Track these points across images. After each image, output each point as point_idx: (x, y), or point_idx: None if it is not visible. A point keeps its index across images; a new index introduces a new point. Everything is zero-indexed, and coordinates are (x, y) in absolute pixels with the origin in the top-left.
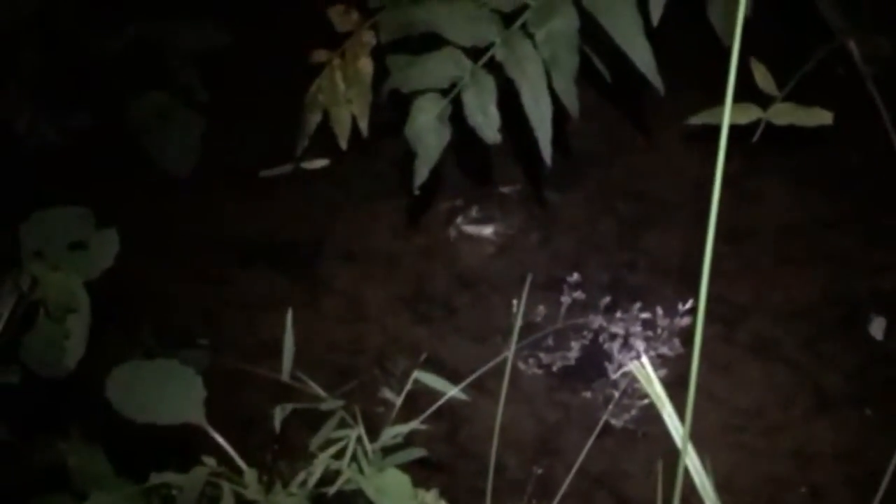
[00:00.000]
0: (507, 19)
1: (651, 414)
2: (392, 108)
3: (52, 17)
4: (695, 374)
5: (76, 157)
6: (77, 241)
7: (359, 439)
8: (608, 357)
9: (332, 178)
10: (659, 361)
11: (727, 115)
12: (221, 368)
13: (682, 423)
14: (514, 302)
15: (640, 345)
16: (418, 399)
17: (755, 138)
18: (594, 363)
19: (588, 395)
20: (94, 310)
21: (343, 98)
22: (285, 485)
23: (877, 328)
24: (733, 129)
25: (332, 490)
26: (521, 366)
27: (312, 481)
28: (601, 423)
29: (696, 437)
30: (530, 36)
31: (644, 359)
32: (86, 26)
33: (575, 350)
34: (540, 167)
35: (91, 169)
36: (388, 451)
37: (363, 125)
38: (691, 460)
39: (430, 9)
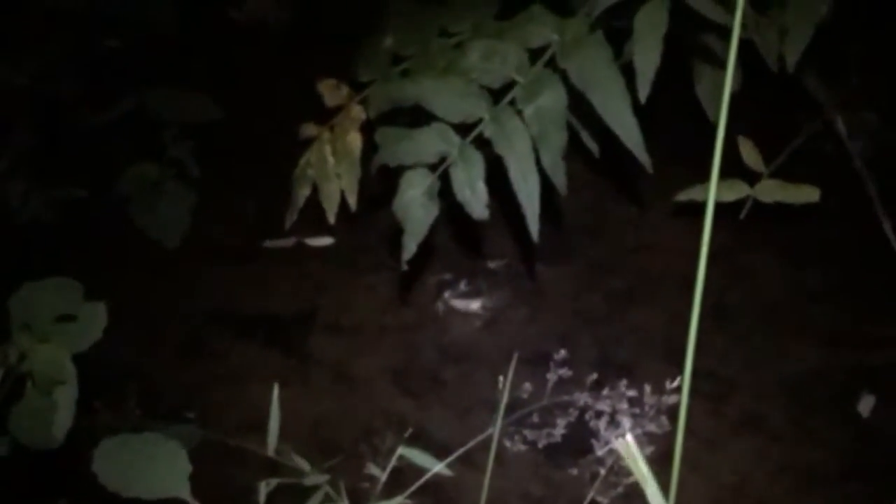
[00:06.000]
0: (496, 95)
1: (638, 491)
2: (382, 183)
3: (45, 89)
4: (678, 453)
5: (67, 228)
6: (65, 313)
7: None
8: (595, 434)
9: (322, 251)
10: (646, 439)
11: (713, 192)
12: (208, 442)
13: (667, 500)
14: (501, 378)
15: (626, 422)
16: (404, 474)
17: (742, 215)
18: (580, 440)
19: (574, 471)
20: (82, 383)
21: (332, 172)
22: None
23: (864, 406)
24: (722, 204)
25: None
26: (507, 442)
27: None
28: (588, 500)
29: None
30: (518, 112)
31: (629, 436)
32: (80, 98)
33: (561, 427)
34: (528, 242)
35: (82, 240)
36: None
37: (352, 200)
38: None
39: (419, 84)
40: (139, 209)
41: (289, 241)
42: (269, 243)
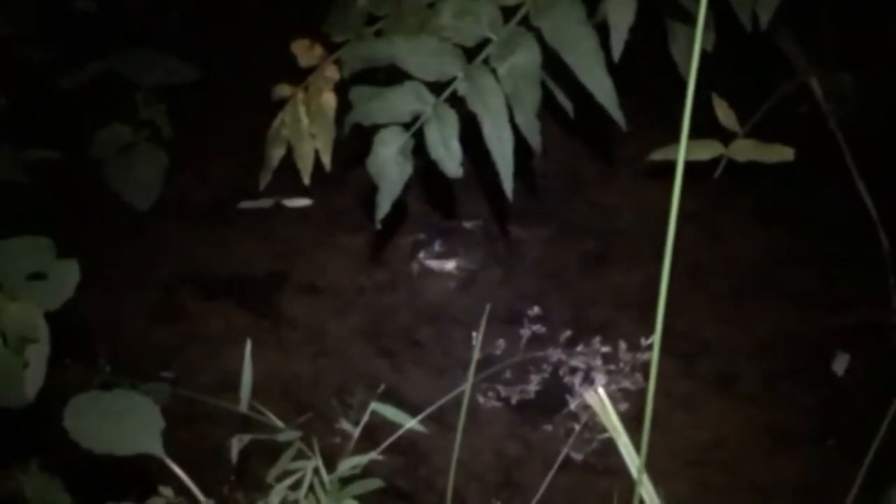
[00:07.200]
0: (470, 54)
1: (612, 447)
2: (356, 143)
3: (17, 51)
4: (650, 407)
5: (40, 190)
6: (37, 271)
7: (316, 470)
8: (569, 390)
9: (295, 212)
10: (621, 395)
11: (683, 149)
12: (181, 400)
13: (639, 455)
14: (474, 335)
15: (601, 378)
16: (377, 431)
17: (716, 174)
18: (554, 396)
19: (548, 428)
20: (54, 340)
21: (306, 132)
22: None
23: (839, 364)
24: (698, 165)
25: None
26: (481, 398)
27: None
28: (561, 456)
29: (654, 470)
30: (493, 70)
31: (601, 390)
32: (53, 60)
33: (535, 383)
34: (502, 201)
35: (55, 203)
36: (345, 482)
37: (326, 160)
38: (646, 493)
39: (393, 43)
40: (112, 171)
41: (267, 202)
42: (246, 204)
